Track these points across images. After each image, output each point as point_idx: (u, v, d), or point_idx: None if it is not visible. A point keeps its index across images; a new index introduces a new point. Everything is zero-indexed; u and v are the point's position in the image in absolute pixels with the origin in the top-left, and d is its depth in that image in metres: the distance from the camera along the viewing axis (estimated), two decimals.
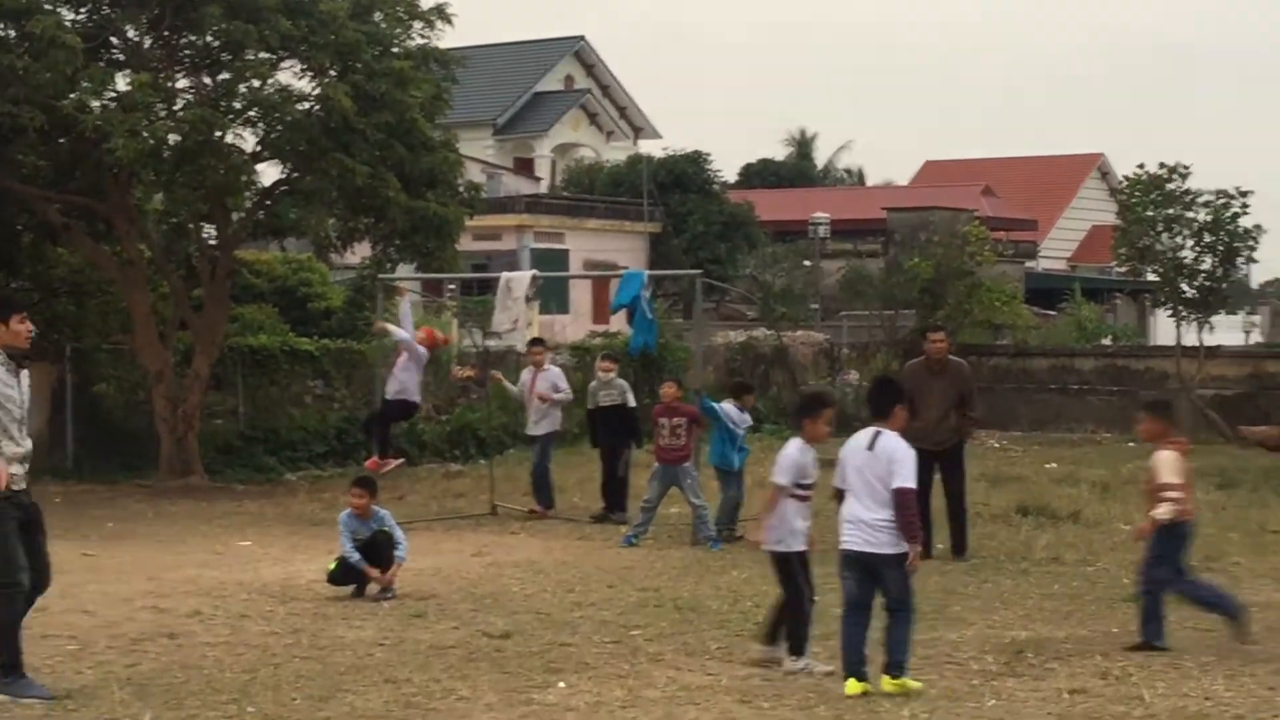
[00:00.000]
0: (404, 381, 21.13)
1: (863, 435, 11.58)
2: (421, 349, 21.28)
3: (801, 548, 11.87)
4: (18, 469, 10.90)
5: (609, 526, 20.60)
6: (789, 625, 11.93)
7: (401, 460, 22.81)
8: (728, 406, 19.71)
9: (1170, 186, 33.72)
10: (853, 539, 11.28)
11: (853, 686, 11.05)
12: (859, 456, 11.42)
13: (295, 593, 15.37)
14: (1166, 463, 12.70)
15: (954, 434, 17.78)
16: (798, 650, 11.84)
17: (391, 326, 21.45)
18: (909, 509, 11.27)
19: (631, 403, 22.09)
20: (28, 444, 11.04)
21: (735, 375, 36.53)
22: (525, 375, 22.74)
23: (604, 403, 21.94)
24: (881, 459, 11.31)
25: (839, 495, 11.54)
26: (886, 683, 11.09)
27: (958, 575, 16.37)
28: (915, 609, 11.49)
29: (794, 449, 11.97)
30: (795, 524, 11.86)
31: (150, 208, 27.42)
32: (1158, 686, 11.20)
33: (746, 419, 20.02)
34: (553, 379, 22.39)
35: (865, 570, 11.27)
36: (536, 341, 23.02)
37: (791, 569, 11.86)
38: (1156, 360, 37.25)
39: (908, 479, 11.25)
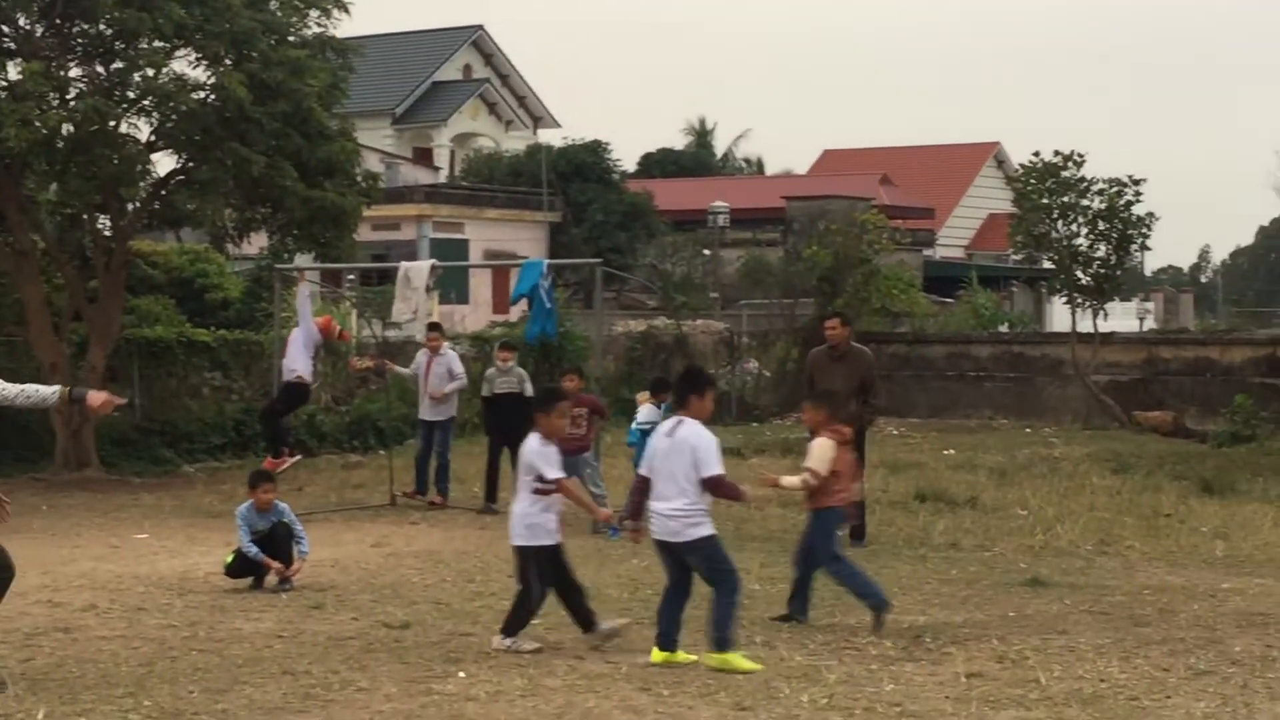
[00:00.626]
0: (293, 356, 21.17)
1: (666, 424, 11.81)
2: (314, 329, 21.30)
3: (544, 542, 12.08)
4: None
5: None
6: (514, 606, 12.16)
7: (298, 456, 22.66)
8: (645, 407, 19.98)
9: (1065, 174, 34.01)
10: (654, 528, 11.68)
11: (655, 655, 11.52)
12: (662, 445, 11.65)
13: (192, 585, 15.26)
14: (819, 449, 13.18)
15: (854, 420, 17.82)
16: (509, 631, 12.04)
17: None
18: (724, 489, 11.61)
19: (529, 392, 22.02)
20: None
21: (636, 364, 36.65)
22: (421, 358, 22.53)
23: (500, 390, 21.83)
24: (684, 450, 11.49)
25: (643, 483, 11.79)
26: (709, 658, 11.39)
27: (856, 561, 16.44)
28: (738, 583, 11.70)
29: (535, 443, 12.11)
30: (536, 518, 12.09)
31: (43, 198, 27.10)
32: (1054, 669, 11.30)
33: (656, 414, 20.14)
34: (448, 363, 22.24)
35: (674, 555, 11.67)
36: (434, 327, 22.91)
37: (525, 563, 12.12)
38: (1052, 346, 37.68)
39: (714, 466, 11.47)
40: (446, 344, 22.81)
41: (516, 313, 39.49)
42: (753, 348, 39.99)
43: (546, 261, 21.90)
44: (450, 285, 48.89)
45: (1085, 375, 34.71)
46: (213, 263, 35.38)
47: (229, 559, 15.24)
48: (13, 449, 26.67)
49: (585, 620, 12.25)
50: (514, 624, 12.10)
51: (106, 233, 27.10)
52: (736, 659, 11.38)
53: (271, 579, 15.01)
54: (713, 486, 11.51)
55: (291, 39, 25.24)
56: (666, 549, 11.71)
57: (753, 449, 28.29)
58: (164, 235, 34.65)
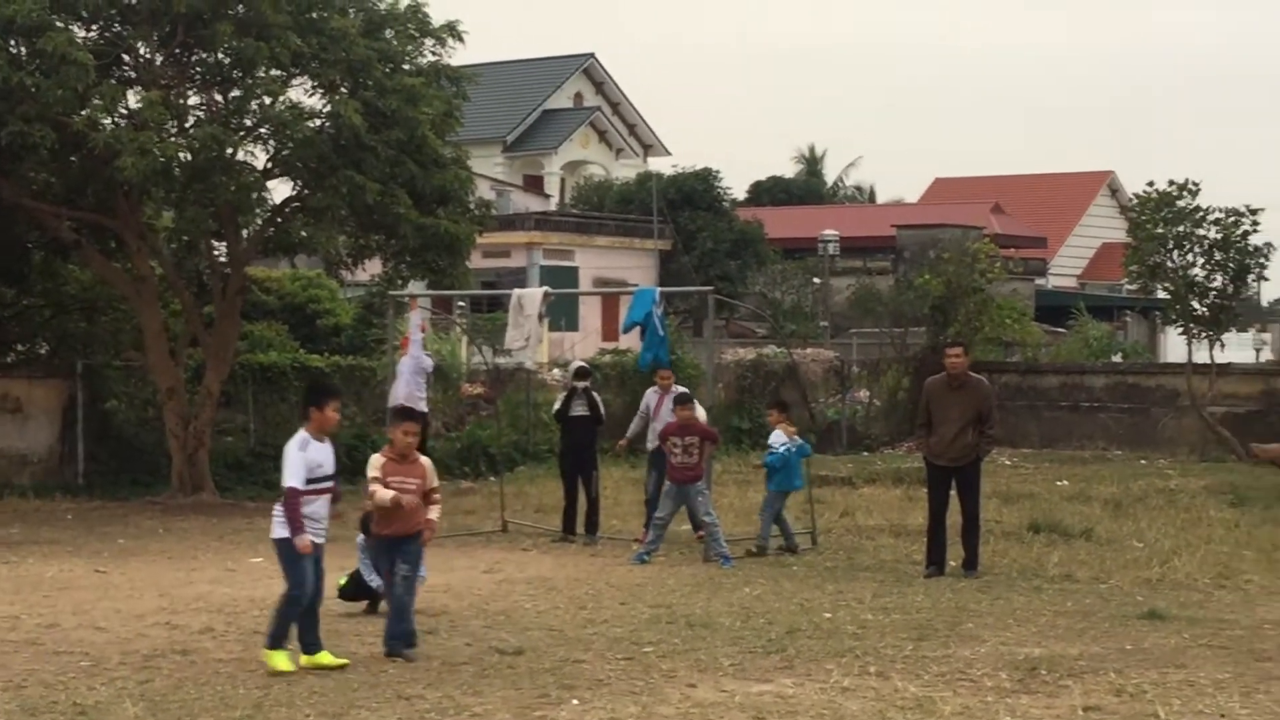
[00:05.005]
0: (395, 386, 21.22)
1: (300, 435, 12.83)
2: (425, 357, 21.25)
3: None
4: None
5: (620, 544, 20.50)
6: None
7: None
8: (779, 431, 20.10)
9: (1180, 204, 33.73)
10: None
11: (302, 659, 12.41)
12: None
13: None
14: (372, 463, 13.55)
15: (971, 450, 17.63)
16: None
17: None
18: (287, 505, 12.48)
19: (602, 416, 21.77)
20: None
21: (746, 393, 36.60)
22: (650, 396, 21.56)
23: (575, 412, 21.45)
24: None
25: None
26: (263, 653, 12.29)
27: (970, 592, 16.33)
28: (299, 595, 12.43)
29: None
30: None
31: (161, 225, 27.44)
32: (1173, 703, 11.16)
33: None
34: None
35: None
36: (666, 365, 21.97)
37: None
38: (1167, 377, 37.24)
39: (286, 479, 12.52)
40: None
41: (626, 340, 39.55)
42: (863, 376, 39.80)
43: (659, 289, 21.75)
44: (560, 313, 49.03)
45: (1201, 407, 34.31)
46: (325, 289, 35.69)
47: (342, 582, 15.32)
48: (129, 473, 27.04)
49: None
50: None
51: (223, 259, 27.40)
52: (276, 657, 12.14)
53: (385, 604, 15.05)
54: (284, 498, 12.42)
55: (406, 67, 25.44)
56: None
57: (864, 478, 28.15)
58: (279, 262, 35.05)
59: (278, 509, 12.54)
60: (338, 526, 21.59)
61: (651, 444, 21.05)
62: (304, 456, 12.53)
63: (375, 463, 13.37)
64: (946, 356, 17.94)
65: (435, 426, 30.45)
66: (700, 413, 20.65)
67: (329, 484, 12.76)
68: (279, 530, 12.53)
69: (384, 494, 12.97)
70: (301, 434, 12.67)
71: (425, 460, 13.54)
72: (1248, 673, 12.24)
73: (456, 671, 12.31)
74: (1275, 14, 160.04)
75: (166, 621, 14.53)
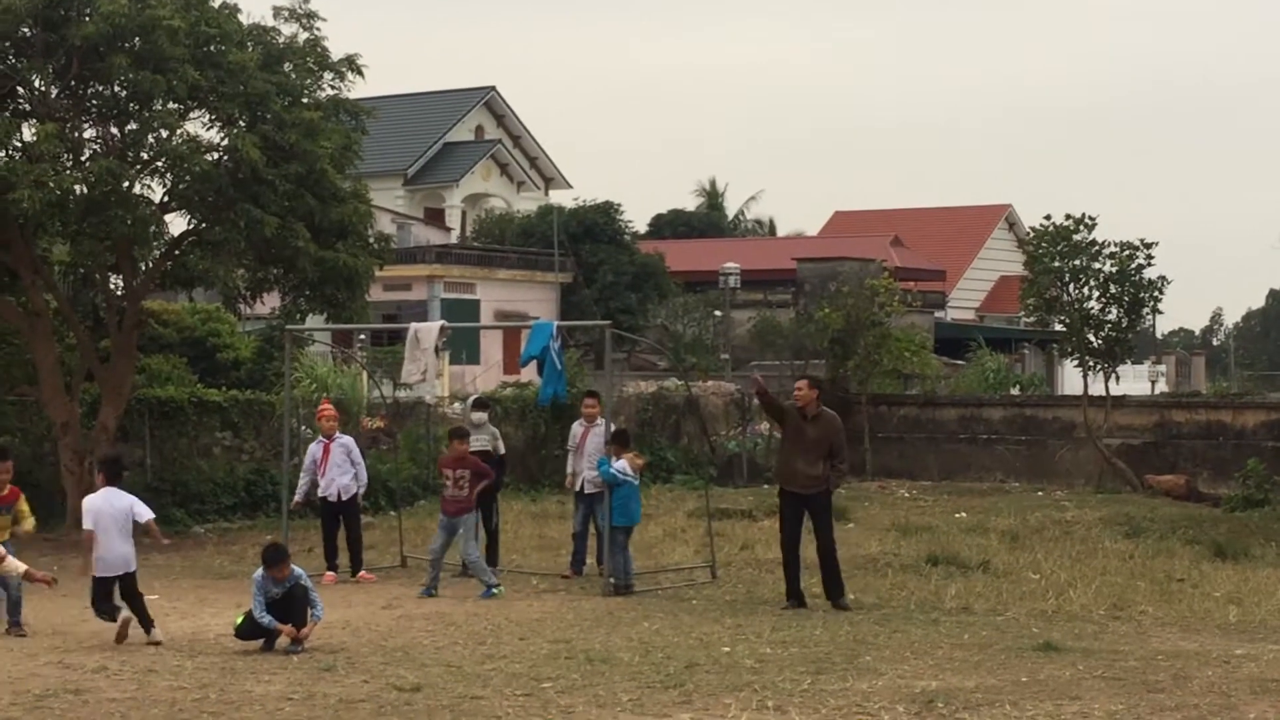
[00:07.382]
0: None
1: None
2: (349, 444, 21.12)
3: None
4: None
5: (520, 578, 20.49)
6: None
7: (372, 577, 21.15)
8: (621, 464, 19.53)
9: (1077, 238, 34.09)
10: None
11: None
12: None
13: (203, 647, 15.21)
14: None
15: (821, 481, 17.86)
16: None
17: None
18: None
19: (502, 450, 21.77)
20: None
21: (647, 426, 36.62)
22: (576, 428, 21.36)
23: (473, 448, 21.22)
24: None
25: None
26: None
27: (868, 625, 16.39)
28: None
29: None
30: None
31: (56, 258, 27.17)
32: None
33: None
34: (605, 432, 20.61)
35: None
36: (592, 394, 21.92)
37: None
38: (1064, 410, 37.63)
39: None
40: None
41: (528, 374, 39.55)
42: (763, 410, 39.88)
43: (556, 323, 21.66)
44: (462, 346, 48.98)
45: (1097, 438, 34.66)
46: (224, 322, 35.46)
47: (239, 620, 15.21)
48: None
49: None
50: None
51: (119, 293, 27.16)
52: None
53: (283, 641, 14.98)
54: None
55: (305, 101, 25.33)
56: None
57: (764, 511, 28.19)
58: (177, 295, 34.76)
59: None
60: (235, 563, 21.52)
61: (587, 483, 20.64)
62: None
63: None
64: (794, 389, 18.43)
65: None
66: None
67: None
68: None
69: None
70: None
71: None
72: (1141, 704, 12.35)
73: (354, 709, 12.23)
74: (1163, 51, 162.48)
75: (60, 660, 14.34)
